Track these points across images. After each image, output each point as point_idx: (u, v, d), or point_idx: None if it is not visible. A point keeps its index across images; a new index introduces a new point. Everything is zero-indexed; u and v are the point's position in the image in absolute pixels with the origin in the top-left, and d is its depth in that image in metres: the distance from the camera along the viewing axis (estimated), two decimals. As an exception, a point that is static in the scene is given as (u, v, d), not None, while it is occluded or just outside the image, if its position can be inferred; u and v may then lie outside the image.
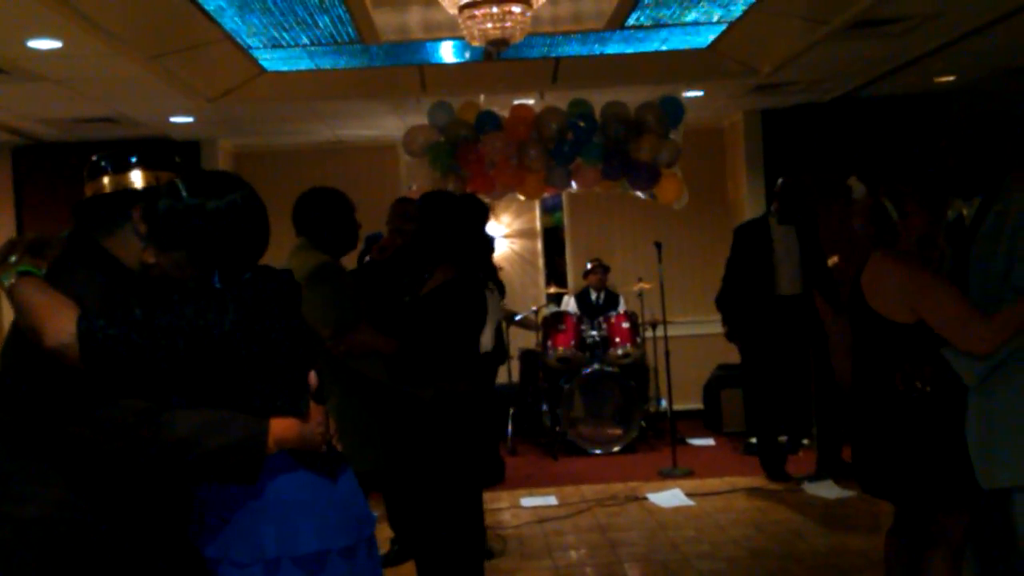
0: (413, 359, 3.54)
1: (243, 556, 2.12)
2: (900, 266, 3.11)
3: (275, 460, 2.14)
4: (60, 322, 1.95)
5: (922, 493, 3.13)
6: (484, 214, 3.92)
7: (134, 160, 2.24)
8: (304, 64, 6.35)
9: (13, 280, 2.03)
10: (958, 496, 3.06)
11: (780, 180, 6.49)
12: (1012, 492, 2.96)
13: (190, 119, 7.09)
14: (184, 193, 2.12)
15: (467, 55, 6.37)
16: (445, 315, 3.52)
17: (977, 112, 7.53)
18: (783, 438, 6.62)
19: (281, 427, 2.12)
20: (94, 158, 2.26)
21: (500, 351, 6.89)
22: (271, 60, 6.18)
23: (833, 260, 6.54)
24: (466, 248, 3.66)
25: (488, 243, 4.61)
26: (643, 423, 7.44)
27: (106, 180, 2.22)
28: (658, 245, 6.86)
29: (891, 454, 3.16)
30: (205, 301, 2.08)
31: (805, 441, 6.92)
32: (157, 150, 2.30)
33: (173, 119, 7.07)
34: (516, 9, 4.59)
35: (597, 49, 6.38)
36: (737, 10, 5.55)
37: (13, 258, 2.08)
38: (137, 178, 2.22)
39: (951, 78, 7.08)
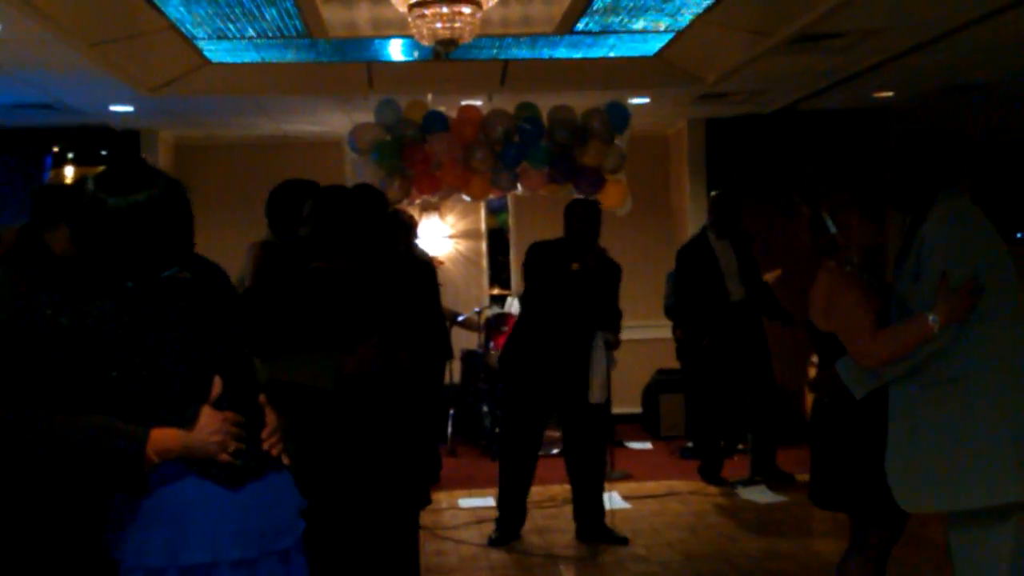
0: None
1: (130, 562, 2.09)
2: (830, 274, 3.15)
3: (166, 467, 2.07)
4: None
5: (849, 503, 3.19)
6: (381, 205, 3.85)
7: (104, 154, 2.21)
8: (250, 56, 6.27)
9: None
10: (878, 511, 3.07)
11: (713, 194, 6.59)
12: (949, 520, 2.91)
13: (130, 108, 6.94)
14: (89, 190, 2.07)
15: (416, 54, 6.35)
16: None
17: (918, 129, 7.71)
18: (721, 442, 6.71)
19: (162, 437, 2.04)
20: (56, 148, 2.23)
21: (443, 350, 6.90)
22: (216, 51, 6.09)
23: (775, 274, 6.64)
24: (361, 242, 3.56)
25: (387, 233, 4.10)
26: (582, 426, 7.48)
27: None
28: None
29: (829, 464, 3.22)
30: (84, 300, 2.04)
31: (740, 446, 7.03)
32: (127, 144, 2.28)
33: (113, 108, 6.91)
34: (466, 10, 4.60)
35: (546, 53, 6.40)
36: (684, 20, 5.62)
37: None
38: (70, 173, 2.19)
39: (889, 94, 7.25)
